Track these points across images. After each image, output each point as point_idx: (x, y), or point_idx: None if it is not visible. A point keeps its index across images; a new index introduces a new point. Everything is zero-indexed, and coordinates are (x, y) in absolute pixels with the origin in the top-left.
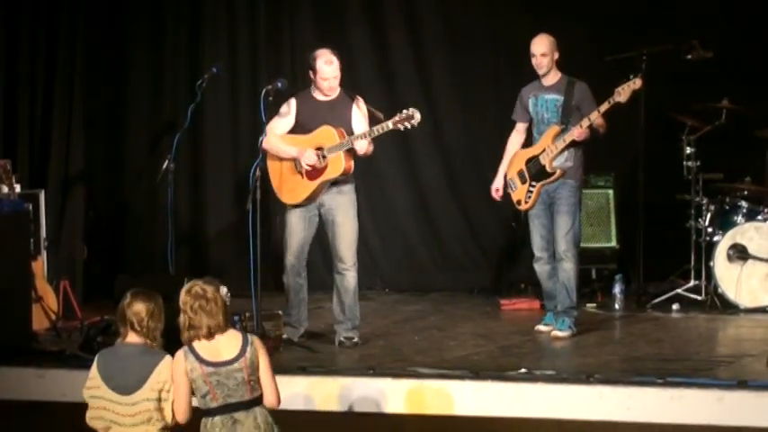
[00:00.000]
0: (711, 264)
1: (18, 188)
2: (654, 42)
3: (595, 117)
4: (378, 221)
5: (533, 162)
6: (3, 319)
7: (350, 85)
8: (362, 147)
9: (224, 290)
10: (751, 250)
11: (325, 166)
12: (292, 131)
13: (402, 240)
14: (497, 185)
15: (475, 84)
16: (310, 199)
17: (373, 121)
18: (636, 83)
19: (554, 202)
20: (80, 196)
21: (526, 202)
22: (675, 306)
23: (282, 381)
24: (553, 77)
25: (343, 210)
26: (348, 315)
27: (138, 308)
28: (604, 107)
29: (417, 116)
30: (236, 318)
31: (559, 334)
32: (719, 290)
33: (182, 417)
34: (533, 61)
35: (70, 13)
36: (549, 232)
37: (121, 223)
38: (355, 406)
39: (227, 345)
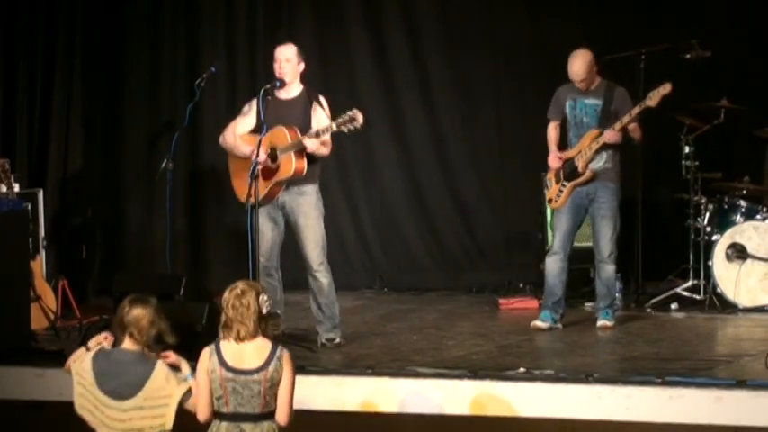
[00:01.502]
0: (710, 263)
1: (17, 187)
2: (652, 42)
3: (627, 120)
4: (376, 221)
5: (568, 163)
6: (2, 319)
7: (348, 85)
8: (312, 145)
9: (264, 298)
10: (749, 249)
11: (278, 167)
12: (256, 131)
13: (400, 240)
14: (558, 155)
15: (474, 84)
16: (267, 199)
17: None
18: (666, 87)
19: (594, 205)
20: (79, 195)
21: (556, 201)
22: (674, 305)
23: None
24: (594, 82)
25: (305, 211)
26: (327, 314)
27: (138, 315)
28: (636, 110)
29: (360, 118)
30: None
31: (608, 323)
32: (718, 289)
33: (202, 416)
34: (575, 81)
35: (68, 12)
36: (572, 233)
37: (120, 222)
38: (354, 405)
39: (253, 353)
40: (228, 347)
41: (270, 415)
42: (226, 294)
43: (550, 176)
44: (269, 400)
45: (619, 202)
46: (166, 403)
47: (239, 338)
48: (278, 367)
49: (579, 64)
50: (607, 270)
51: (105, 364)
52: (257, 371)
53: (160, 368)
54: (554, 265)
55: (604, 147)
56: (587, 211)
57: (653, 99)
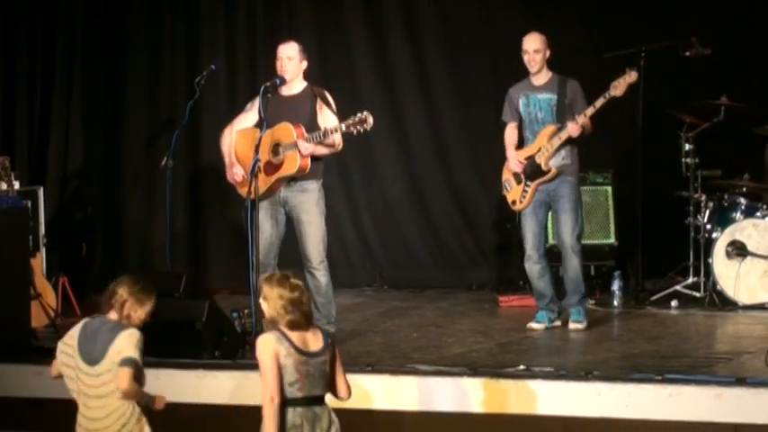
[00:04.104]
0: (710, 260)
1: (17, 185)
2: (652, 39)
3: (591, 112)
4: (376, 219)
5: (529, 162)
6: (2, 316)
7: (348, 85)
8: (306, 150)
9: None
10: (749, 247)
11: (282, 163)
12: (257, 127)
13: (400, 238)
14: (518, 159)
15: (473, 82)
16: (267, 194)
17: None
18: (631, 75)
19: (555, 200)
20: (78, 193)
21: (521, 202)
22: (674, 303)
23: None
24: (545, 76)
25: (307, 208)
26: (323, 313)
27: (124, 287)
28: (600, 102)
29: (370, 120)
30: (234, 314)
31: (579, 326)
32: (718, 287)
33: (277, 399)
34: (526, 58)
35: (68, 10)
36: (541, 231)
37: (120, 220)
38: (353, 403)
39: (312, 337)
40: (292, 333)
41: (324, 397)
42: (276, 288)
43: (508, 177)
44: (328, 380)
45: (579, 195)
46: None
47: (306, 326)
48: (333, 347)
49: (534, 38)
50: (573, 265)
51: (87, 330)
52: (322, 352)
53: (128, 332)
54: (533, 269)
55: (566, 141)
56: (550, 208)
57: (618, 88)
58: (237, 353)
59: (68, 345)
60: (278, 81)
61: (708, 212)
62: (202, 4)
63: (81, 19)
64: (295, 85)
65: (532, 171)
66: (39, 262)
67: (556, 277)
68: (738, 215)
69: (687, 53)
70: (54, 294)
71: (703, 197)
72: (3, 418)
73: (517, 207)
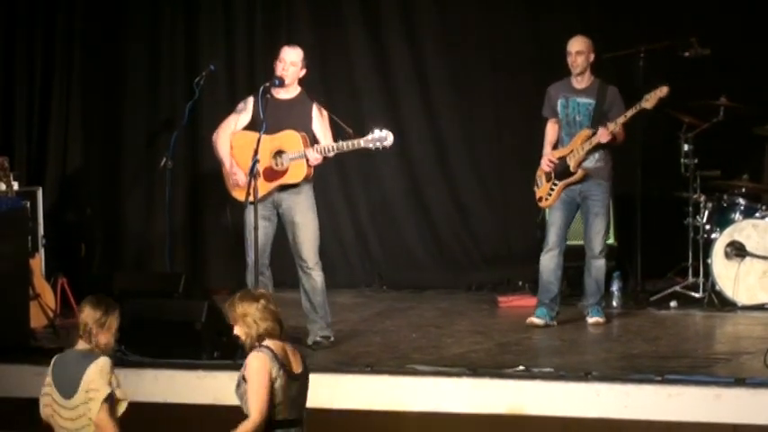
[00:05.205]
0: (709, 261)
1: (16, 186)
2: (652, 39)
3: (622, 121)
4: (375, 219)
5: (561, 162)
6: (1, 317)
7: (347, 84)
8: (315, 161)
9: None
10: (749, 248)
11: (285, 170)
12: (250, 129)
13: (399, 238)
14: (550, 158)
15: (472, 81)
16: (262, 198)
17: (341, 132)
18: (662, 90)
19: (586, 201)
20: (78, 193)
21: (546, 200)
22: (673, 303)
23: None
24: (587, 80)
25: (302, 209)
26: (320, 313)
27: (86, 314)
28: (631, 112)
29: (390, 138)
30: None
31: (600, 319)
32: (717, 287)
33: (263, 416)
34: (569, 60)
35: (67, 11)
36: (566, 228)
37: (119, 220)
38: (353, 403)
39: (294, 359)
40: (281, 353)
41: None
42: (244, 305)
43: (540, 175)
44: (303, 404)
45: (611, 199)
46: (92, 397)
47: (278, 337)
48: (307, 372)
49: (578, 40)
50: (598, 266)
51: (59, 365)
52: (303, 375)
53: (97, 362)
54: (550, 262)
55: (597, 146)
56: (578, 208)
57: (649, 101)
58: (237, 353)
59: (47, 384)
60: (276, 82)
61: (707, 213)
62: (202, 4)
63: (80, 19)
64: (290, 89)
65: (561, 171)
66: (38, 262)
67: (576, 278)
68: (737, 216)
69: (686, 53)
70: (53, 295)
71: (702, 198)
72: (2, 418)
73: (543, 204)
